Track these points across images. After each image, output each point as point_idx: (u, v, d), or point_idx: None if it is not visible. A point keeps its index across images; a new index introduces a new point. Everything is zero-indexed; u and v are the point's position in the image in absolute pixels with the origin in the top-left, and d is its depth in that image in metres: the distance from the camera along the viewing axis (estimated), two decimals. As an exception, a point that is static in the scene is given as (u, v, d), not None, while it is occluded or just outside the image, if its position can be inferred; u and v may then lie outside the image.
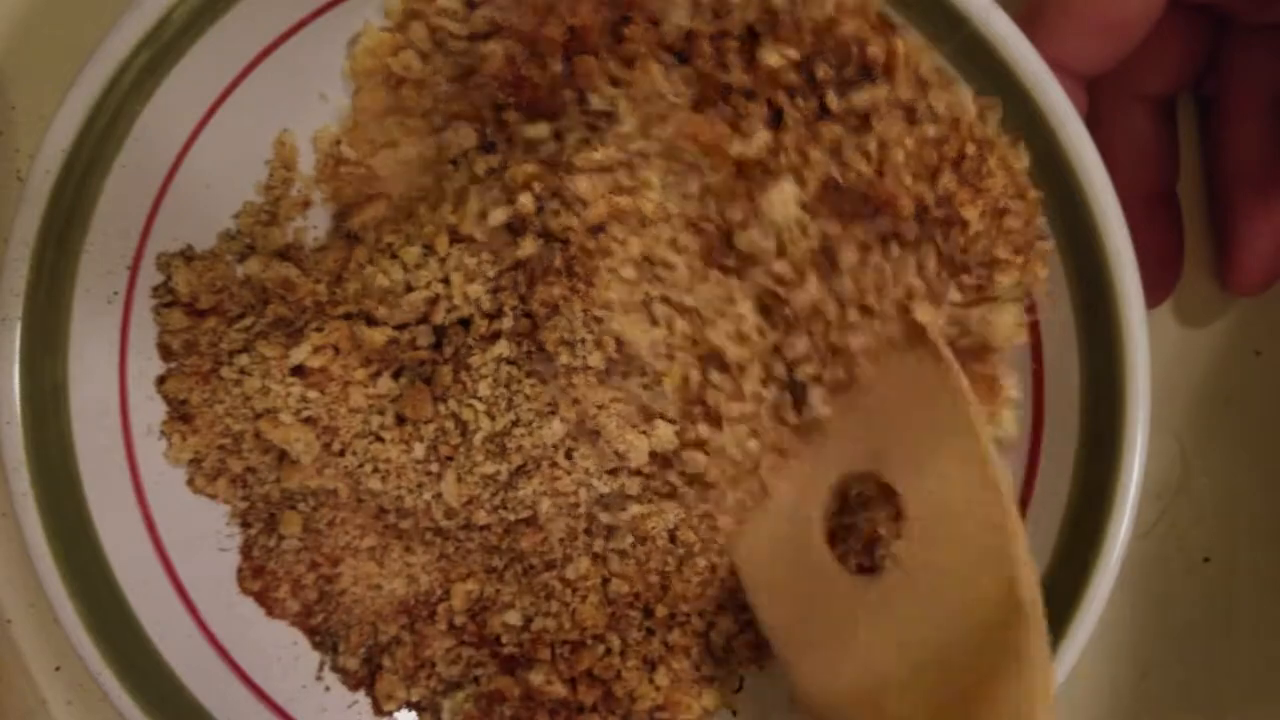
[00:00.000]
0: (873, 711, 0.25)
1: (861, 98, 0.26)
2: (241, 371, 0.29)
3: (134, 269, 0.29)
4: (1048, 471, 0.29)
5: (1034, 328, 0.29)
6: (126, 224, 0.29)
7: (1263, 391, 0.33)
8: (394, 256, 0.28)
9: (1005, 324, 0.27)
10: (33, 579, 0.28)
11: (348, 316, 0.29)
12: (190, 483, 0.30)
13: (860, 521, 0.29)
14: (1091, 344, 0.27)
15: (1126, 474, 0.27)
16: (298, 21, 0.29)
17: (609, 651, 0.30)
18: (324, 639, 0.31)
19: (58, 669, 0.34)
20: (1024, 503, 0.29)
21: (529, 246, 0.28)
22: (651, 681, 0.30)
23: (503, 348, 0.28)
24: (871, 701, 0.25)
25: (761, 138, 0.26)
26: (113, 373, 0.29)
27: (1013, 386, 0.29)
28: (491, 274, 0.28)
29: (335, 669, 0.31)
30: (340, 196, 0.31)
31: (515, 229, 0.28)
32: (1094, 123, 0.29)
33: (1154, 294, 0.30)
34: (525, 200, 0.28)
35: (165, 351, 0.30)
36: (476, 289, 0.28)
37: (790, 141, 0.26)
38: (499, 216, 0.28)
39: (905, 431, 0.26)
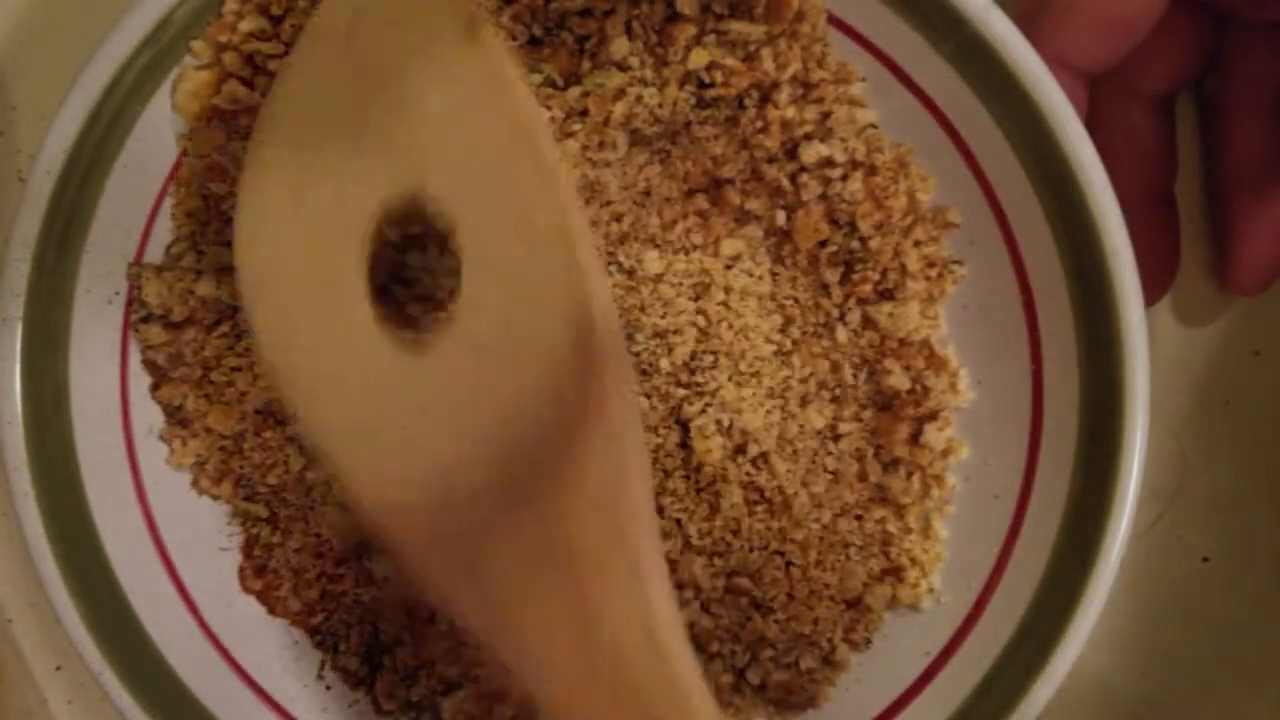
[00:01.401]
0: (445, 502, 0.21)
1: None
2: (232, 370, 0.29)
3: (135, 269, 0.29)
4: (1047, 471, 0.29)
5: (1034, 328, 0.29)
6: (127, 224, 0.29)
7: (1263, 391, 0.33)
8: None
9: (910, 317, 0.29)
10: (33, 579, 0.28)
11: None
12: (195, 484, 0.30)
13: (409, 265, 0.24)
14: (1091, 344, 0.27)
15: (1126, 474, 0.27)
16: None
17: None
18: (324, 638, 0.31)
19: (58, 669, 0.34)
20: (1024, 502, 0.29)
21: None
22: None
23: None
24: (443, 491, 0.21)
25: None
26: (113, 373, 0.29)
27: (951, 356, 0.30)
28: None
29: (336, 668, 0.31)
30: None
31: None
32: (1093, 121, 0.29)
33: (1151, 292, 0.30)
34: None
35: (152, 368, 0.30)
36: None
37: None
38: None
39: (441, 116, 0.21)
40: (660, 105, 0.28)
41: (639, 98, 0.28)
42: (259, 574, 0.31)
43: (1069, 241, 0.27)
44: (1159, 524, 0.33)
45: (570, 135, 0.28)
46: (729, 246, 0.29)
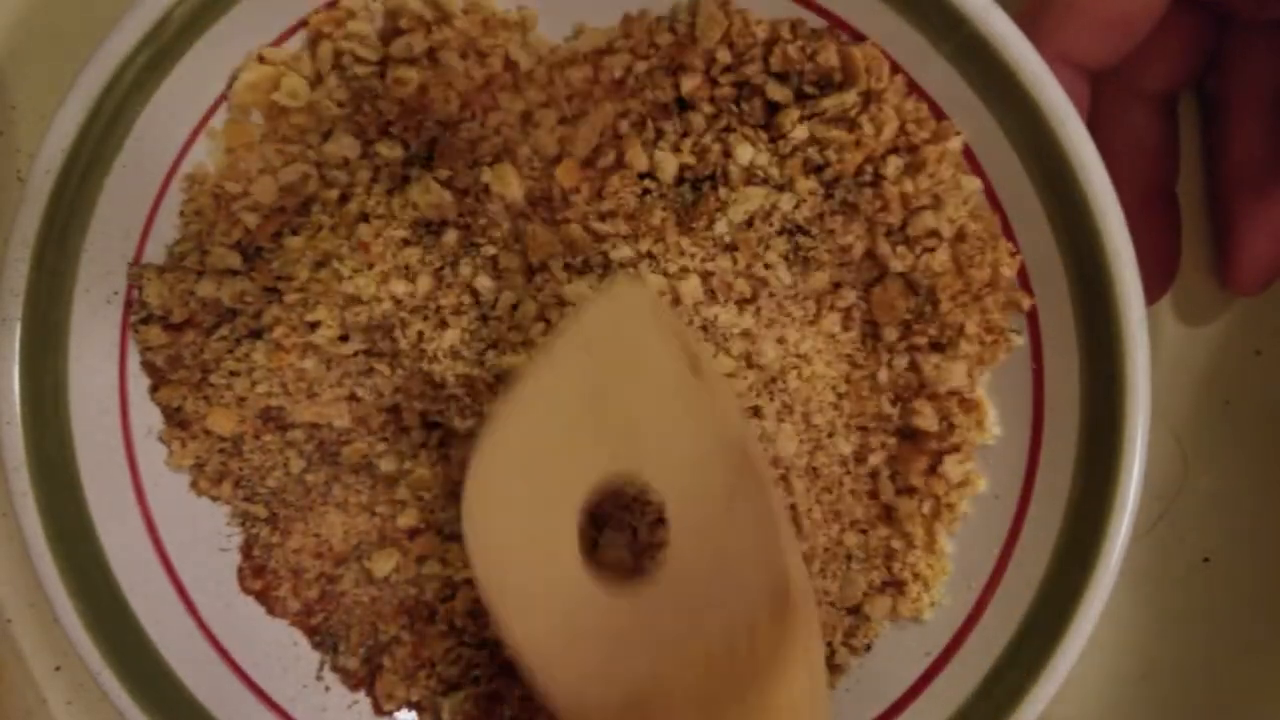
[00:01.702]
0: (639, 712, 0.24)
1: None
2: (231, 374, 0.29)
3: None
4: (1048, 471, 0.29)
5: (1034, 328, 0.29)
6: (126, 224, 0.29)
7: (1263, 391, 0.33)
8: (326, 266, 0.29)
9: (957, 374, 0.29)
10: (33, 579, 0.28)
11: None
12: (194, 485, 0.30)
13: (617, 527, 0.28)
14: (1091, 344, 0.27)
15: (1126, 474, 0.27)
16: (297, 21, 0.29)
17: None
18: (324, 639, 0.31)
19: (58, 669, 0.34)
20: (1024, 502, 0.29)
21: (452, 238, 0.28)
22: None
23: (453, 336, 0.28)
24: (638, 710, 0.24)
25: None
26: (112, 373, 0.29)
27: (983, 399, 0.30)
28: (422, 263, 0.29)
29: (335, 669, 0.31)
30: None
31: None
32: (1095, 119, 0.29)
33: (1151, 292, 0.30)
34: (445, 196, 0.28)
35: (151, 369, 0.30)
36: (409, 286, 0.28)
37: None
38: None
39: (659, 430, 0.25)
40: (796, 206, 0.28)
41: (775, 205, 0.28)
42: (258, 574, 0.31)
43: (1070, 241, 0.27)
44: (1159, 524, 0.33)
45: (728, 287, 0.28)
46: (828, 322, 0.29)
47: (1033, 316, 0.29)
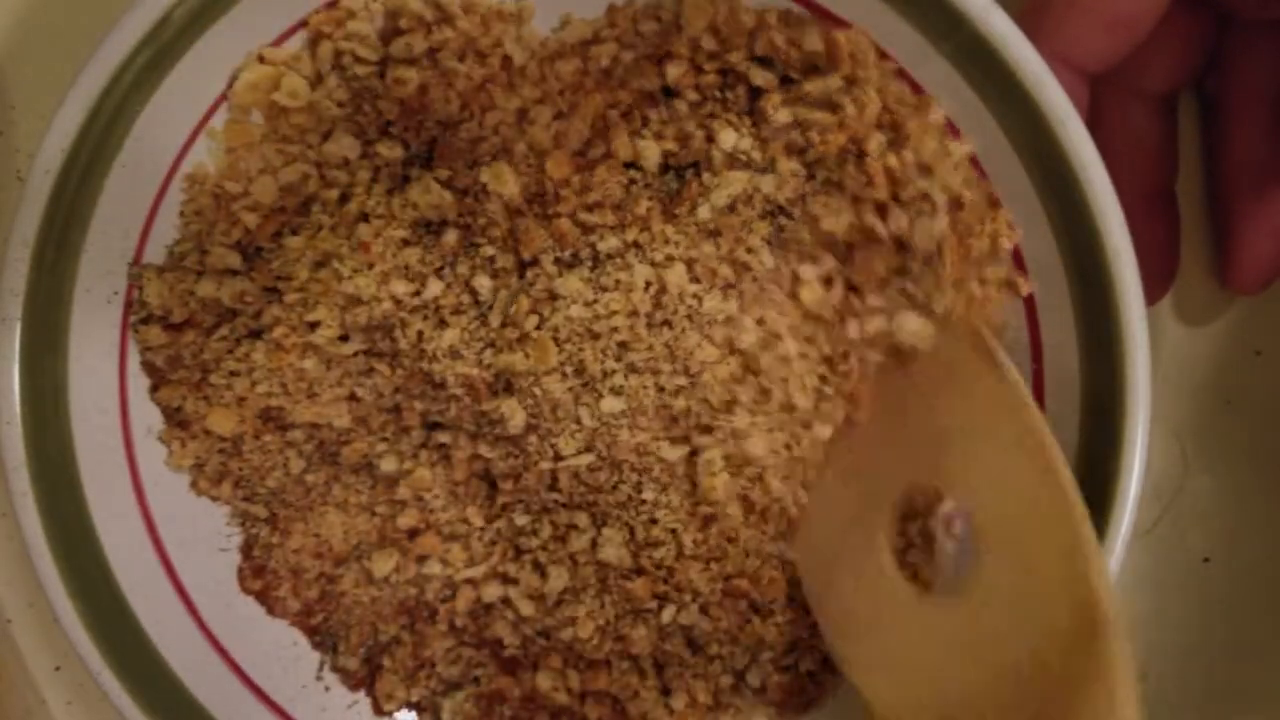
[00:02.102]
0: None
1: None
2: (231, 374, 0.29)
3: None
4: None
5: (1034, 328, 0.29)
6: (126, 224, 0.29)
7: (1263, 391, 0.33)
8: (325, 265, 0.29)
9: (911, 328, 0.29)
10: (33, 579, 0.28)
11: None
12: (193, 485, 0.30)
13: (926, 536, 0.28)
14: (1091, 344, 0.27)
15: (1127, 474, 0.27)
16: (298, 21, 0.29)
17: (626, 671, 0.30)
18: (324, 639, 0.31)
19: (58, 669, 0.34)
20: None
21: (452, 238, 0.28)
22: (667, 706, 0.30)
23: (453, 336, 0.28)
24: (945, 717, 0.25)
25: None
26: (112, 372, 0.29)
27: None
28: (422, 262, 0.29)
29: (335, 669, 0.31)
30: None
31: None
32: (1095, 119, 0.29)
33: (1152, 291, 0.30)
34: (444, 195, 0.28)
35: (150, 369, 0.30)
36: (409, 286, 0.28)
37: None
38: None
39: (965, 444, 0.26)
40: (778, 188, 0.28)
41: (758, 189, 0.28)
42: (258, 574, 0.31)
43: (1070, 241, 0.27)
44: (1159, 524, 0.33)
45: (712, 273, 0.28)
46: (808, 294, 0.29)
47: (1033, 316, 0.29)
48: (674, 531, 0.29)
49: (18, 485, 0.28)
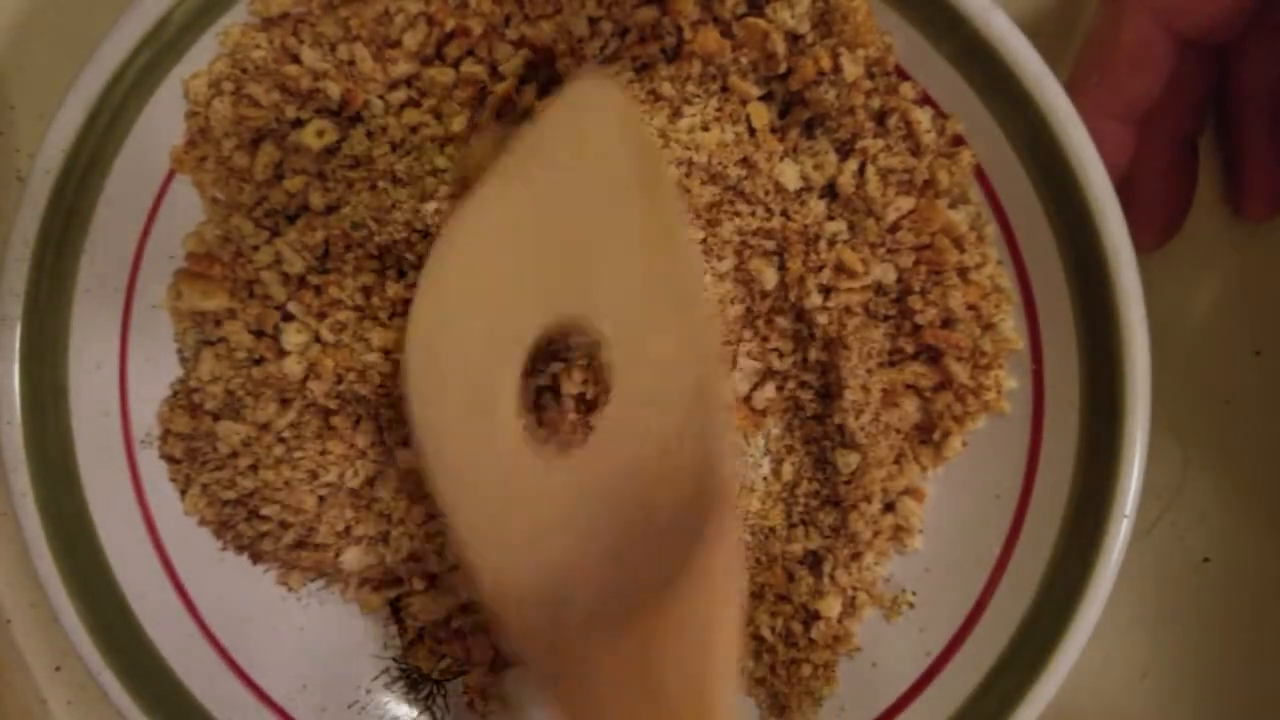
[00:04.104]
0: (557, 603, 0.23)
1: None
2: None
3: (134, 269, 0.29)
4: (1048, 471, 0.29)
5: (1034, 327, 0.29)
6: (126, 224, 0.29)
7: (1263, 391, 0.33)
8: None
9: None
10: (33, 579, 0.28)
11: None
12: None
13: (560, 387, 0.27)
14: (1091, 344, 0.27)
15: (1126, 474, 0.27)
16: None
17: None
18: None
19: (58, 669, 0.34)
20: (1025, 502, 0.29)
21: None
22: None
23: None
24: (557, 592, 0.23)
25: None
26: (112, 373, 0.29)
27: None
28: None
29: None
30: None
31: None
32: (1144, 61, 0.29)
33: (1152, 238, 0.30)
34: None
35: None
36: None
37: None
38: None
39: (614, 255, 0.23)
40: None
41: None
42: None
43: (1069, 241, 0.27)
44: (1159, 524, 0.33)
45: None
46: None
47: (1033, 316, 0.29)
48: None
49: (18, 485, 0.28)
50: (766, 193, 0.28)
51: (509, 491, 0.24)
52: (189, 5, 0.27)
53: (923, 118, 0.28)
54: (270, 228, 0.29)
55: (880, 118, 0.28)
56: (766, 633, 0.31)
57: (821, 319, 0.29)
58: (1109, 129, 0.28)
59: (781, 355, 0.30)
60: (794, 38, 0.28)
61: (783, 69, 0.28)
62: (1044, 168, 0.27)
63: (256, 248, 0.29)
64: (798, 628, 0.31)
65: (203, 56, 0.28)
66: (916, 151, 0.28)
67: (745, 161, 0.28)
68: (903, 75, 0.28)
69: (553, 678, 0.23)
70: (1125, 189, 0.27)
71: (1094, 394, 0.27)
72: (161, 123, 0.28)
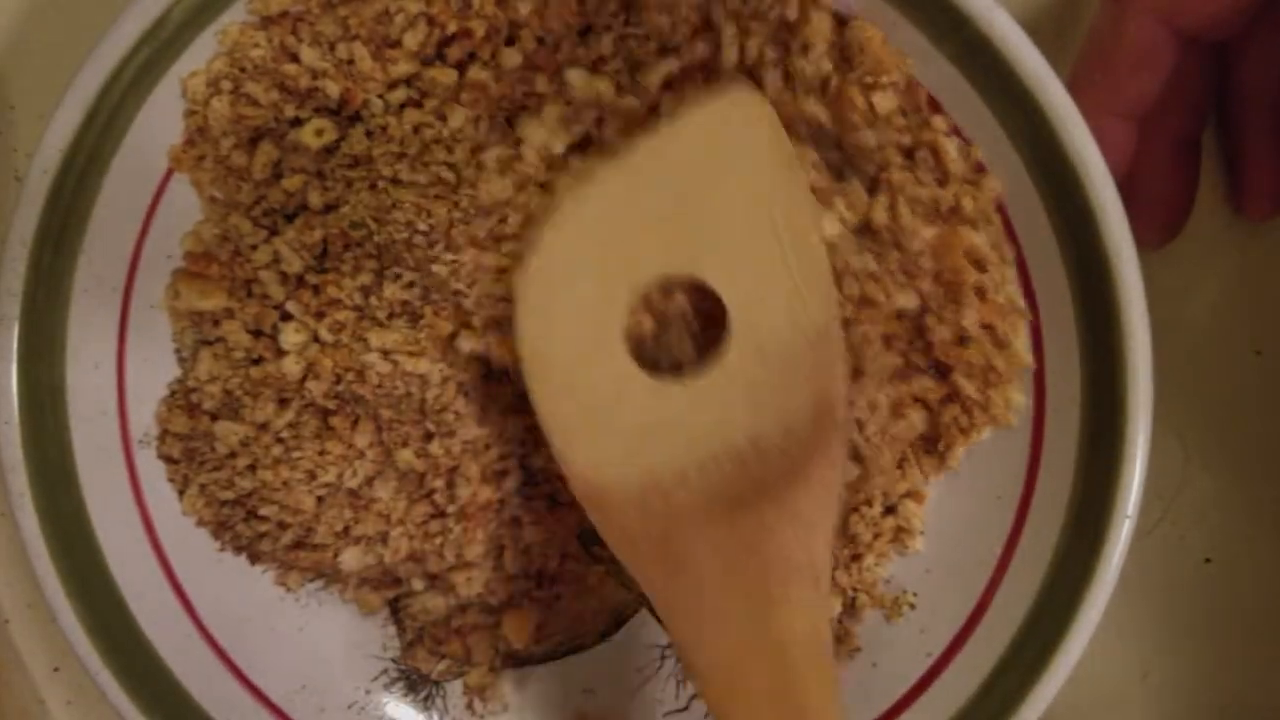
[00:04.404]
0: (659, 499, 0.25)
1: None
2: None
3: (132, 269, 0.29)
4: (1048, 472, 0.29)
5: (1035, 327, 0.29)
6: (125, 224, 0.29)
7: (1264, 391, 0.33)
8: None
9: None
10: (31, 579, 0.28)
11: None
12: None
13: (677, 322, 0.27)
14: (1091, 344, 0.27)
15: (1127, 474, 0.27)
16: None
17: None
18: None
19: (57, 669, 0.34)
20: (1026, 503, 0.29)
21: None
22: None
23: None
24: (658, 490, 0.25)
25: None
26: (110, 373, 0.29)
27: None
28: None
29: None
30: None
31: None
32: (1146, 59, 0.29)
33: (1153, 237, 0.30)
34: None
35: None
36: None
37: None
38: None
39: (734, 230, 0.25)
40: None
41: None
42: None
43: (1071, 240, 0.27)
44: (1160, 524, 0.33)
45: None
46: None
47: (1034, 315, 0.29)
48: None
49: (16, 485, 0.28)
50: None
51: (612, 409, 0.25)
52: (187, 4, 0.27)
53: (951, 148, 0.28)
54: (268, 226, 0.29)
55: (909, 151, 0.28)
56: None
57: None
58: (1110, 127, 0.28)
59: None
60: (823, 84, 0.28)
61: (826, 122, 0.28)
62: (1045, 166, 0.27)
63: (255, 247, 0.29)
64: None
65: (201, 55, 0.28)
66: (944, 181, 0.28)
67: None
68: (935, 108, 0.28)
69: (649, 577, 0.25)
70: (1126, 188, 0.26)
71: (1095, 394, 0.27)
72: (160, 122, 0.28)
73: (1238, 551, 0.33)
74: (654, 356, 0.27)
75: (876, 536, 0.30)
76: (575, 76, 0.28)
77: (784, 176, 0.25)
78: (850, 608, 0.31)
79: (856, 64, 0.27)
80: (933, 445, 0.30)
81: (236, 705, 0.30)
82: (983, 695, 0.28)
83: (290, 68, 0.28)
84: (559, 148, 0.28)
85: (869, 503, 0.30)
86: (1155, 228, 0.27)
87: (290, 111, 0.28)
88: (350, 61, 0.28)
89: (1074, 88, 0.27)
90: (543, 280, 0.26)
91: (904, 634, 0.30)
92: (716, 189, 0.25)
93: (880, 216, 0.28)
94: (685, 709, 0.32)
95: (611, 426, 0.25)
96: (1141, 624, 0.33)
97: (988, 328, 0.29)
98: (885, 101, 0.27)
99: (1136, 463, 0.27)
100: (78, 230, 0.28)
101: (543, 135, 0.28)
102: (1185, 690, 0.33)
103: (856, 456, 0.29)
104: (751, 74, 0.28)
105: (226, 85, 0.28)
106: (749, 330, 0.25)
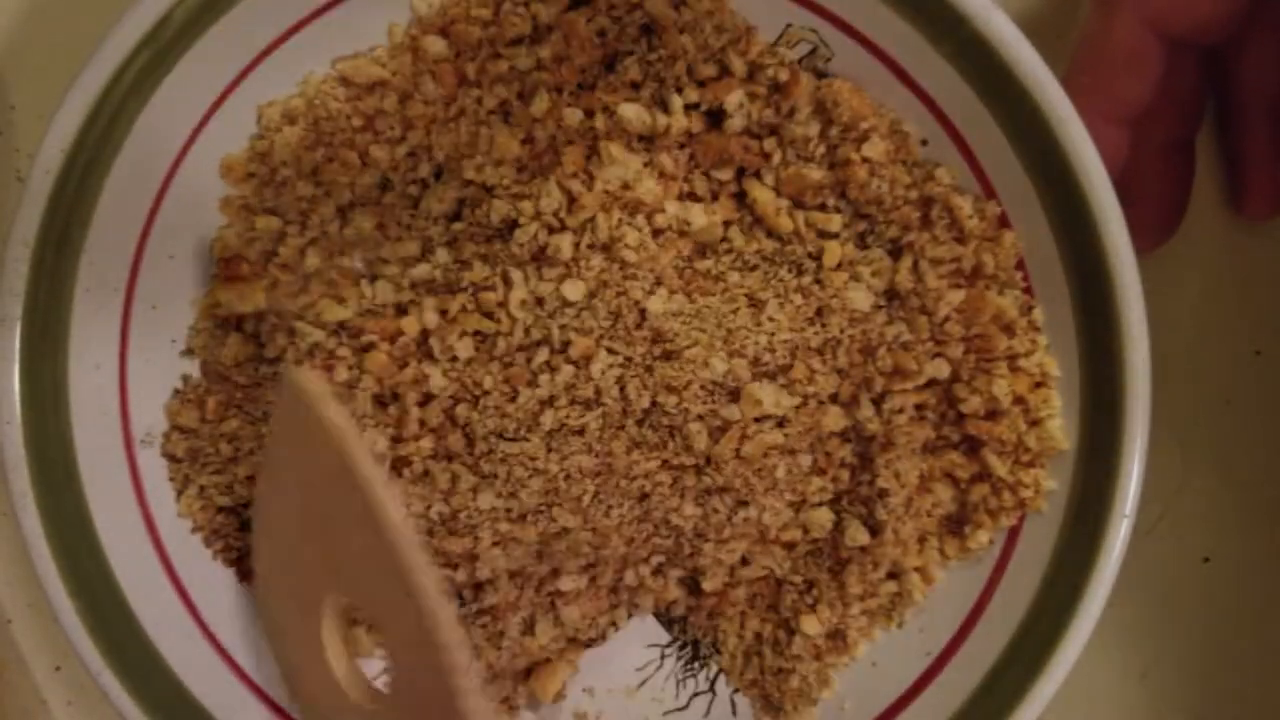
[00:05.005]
0: None
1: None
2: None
3: (134, 269, 0.29)
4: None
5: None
6: (126, 224, 0.29)
7: (1263, 391, 0.33)
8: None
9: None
10: (33, 579, 0.28)
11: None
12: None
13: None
14: (1091, 344, 0.27)
15: (1127, 474, 0.27)
16: (296, 22, 0.29)
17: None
18: None
19: (58, 669, 0.34)
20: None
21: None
22: None
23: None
24: None
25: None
26: (112, 372, 0.29)
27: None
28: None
29: None
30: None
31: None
32: (1132, 64, 0.29)
33: (1149, 239, 0.30)
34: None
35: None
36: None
37: None
38: None
39: (350, 544, 0.25)
40: None
41: None
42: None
43: (1069, 240, 0.27)
44: (1159, 524, 0.33)
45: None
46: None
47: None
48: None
49: (18, 485, 0.28)
50: (841, 329, 0.29)
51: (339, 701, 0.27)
52: (189, 5, 0.27)
53: (964, 204, 0.28)
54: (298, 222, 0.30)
55: (924, 210, 0.28)
56: (751, 637, 0.31)
57: (871, 426, 0.29)
58: (1102, 131, 0.28)
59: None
60: (831, 148, 0.28)
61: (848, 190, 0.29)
62: (1043, 167, 0.27)
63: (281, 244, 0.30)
64: (782, 637, 0.31)
65: (201, 55, 0.28)
66: (962, 239, 0.28)
67: (818, 315, 0.29)
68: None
69: None
70: (1119, 191, 0.26)
71: (1094, 394, 0.27)
72: (161, 122, 0.28)
73: (1237, 551, 0.33)
74: None
75: (868, 595, 0.30)
76: (628, 110, 0.28)
77: (342, 456, 0.24)
78: (838, 636, 0.31)
79: (836, 119, 0.28)
80: (958, 527, 0.30)
81: (238, 704, 0.30)
82: (982, 694, 0.28)
83: (377, 151, 0.30)
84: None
85: (875, 565, 0.30)
86: (1148, 231, 0.27)
87: (369, 179, 0.30)
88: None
89: (1067, 92, 0.27)
90: (266, 584, 0.28)
91: (903, 633, 0.30)
92: (322, 493, 0.25)
93: (905, 281, 0.28)
94: (685, 709, 0.32)
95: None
96: (1140, 624, 0.33)
97: (1020, 402, 0.28)
98: (873, 147, 0.28)
99: (1135, 462, 0.27)
100: (80, 230, 0.28)
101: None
102: (1184, 690, 0.33)
103: (873, 527, 0.29)
104: (753, 134, 0.29)
105: (301, 121, 0.29)
106: (395, 651, 0.25)
